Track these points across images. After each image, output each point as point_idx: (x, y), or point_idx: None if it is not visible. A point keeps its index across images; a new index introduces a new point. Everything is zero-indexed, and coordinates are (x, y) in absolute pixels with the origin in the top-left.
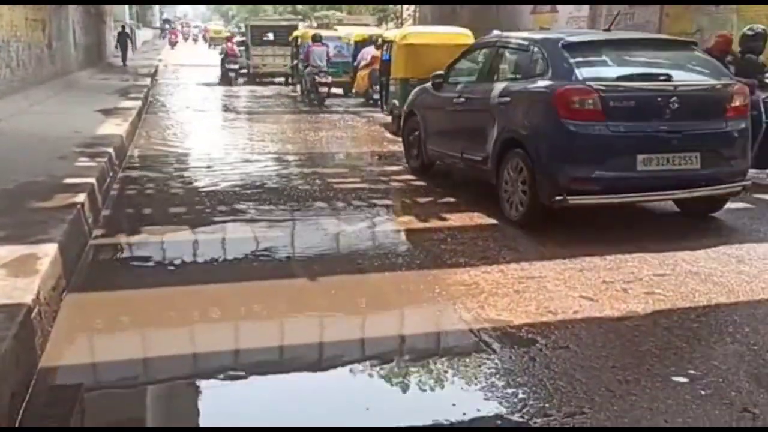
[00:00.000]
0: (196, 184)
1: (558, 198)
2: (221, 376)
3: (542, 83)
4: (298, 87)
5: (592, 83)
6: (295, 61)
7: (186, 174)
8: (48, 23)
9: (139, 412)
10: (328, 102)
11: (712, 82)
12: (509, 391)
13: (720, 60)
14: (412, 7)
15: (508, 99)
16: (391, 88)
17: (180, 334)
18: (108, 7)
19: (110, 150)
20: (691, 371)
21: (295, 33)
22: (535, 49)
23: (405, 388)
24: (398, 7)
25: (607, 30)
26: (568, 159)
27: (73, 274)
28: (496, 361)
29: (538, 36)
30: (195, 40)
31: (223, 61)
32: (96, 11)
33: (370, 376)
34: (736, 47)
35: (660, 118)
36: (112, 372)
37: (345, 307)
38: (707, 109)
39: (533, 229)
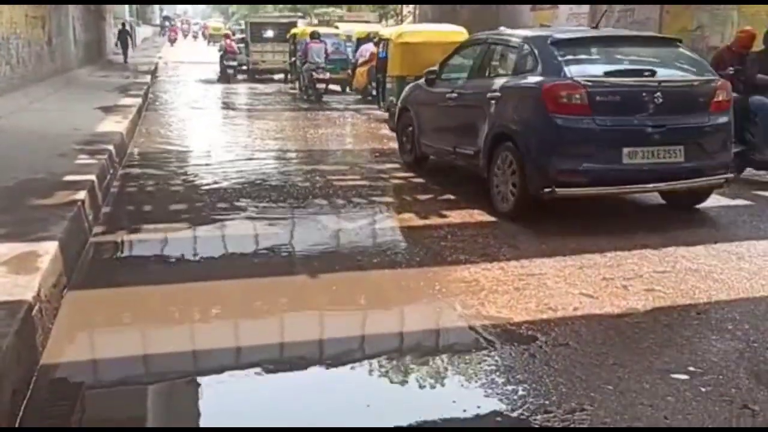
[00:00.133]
0: (196, 181)
1: (547, 190)
2: (222, 373)
3: (532, 79)
4: (297, 84)
5: (579, 79)
6: (293, 58)
7: (186, 171)
8: (48, 20)
9: (139, 409)
10: (326, 98)
11: (696, 78)
12: (509, 388)
13: (743, 56)
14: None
15: (498, 94)
16: (388, 85)
17: (180, 331)
18: (108, 5)
19: (110, 147)
20: (691, 368)
21: (293, 30)
22: (525, 46)
23: (405, 385)
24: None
25: (595, 27)
26: (556, 152)
27: (73, 271)
28: (497, 358)
29: (528, 33)
30: (195, 37)
31: (222, 58)
32: (96, 8)
33: (371, 373)
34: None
35: (645, 112)
36: (113, 369)
37: (345, 304)
38: (690, 103)
39: (532, 225)
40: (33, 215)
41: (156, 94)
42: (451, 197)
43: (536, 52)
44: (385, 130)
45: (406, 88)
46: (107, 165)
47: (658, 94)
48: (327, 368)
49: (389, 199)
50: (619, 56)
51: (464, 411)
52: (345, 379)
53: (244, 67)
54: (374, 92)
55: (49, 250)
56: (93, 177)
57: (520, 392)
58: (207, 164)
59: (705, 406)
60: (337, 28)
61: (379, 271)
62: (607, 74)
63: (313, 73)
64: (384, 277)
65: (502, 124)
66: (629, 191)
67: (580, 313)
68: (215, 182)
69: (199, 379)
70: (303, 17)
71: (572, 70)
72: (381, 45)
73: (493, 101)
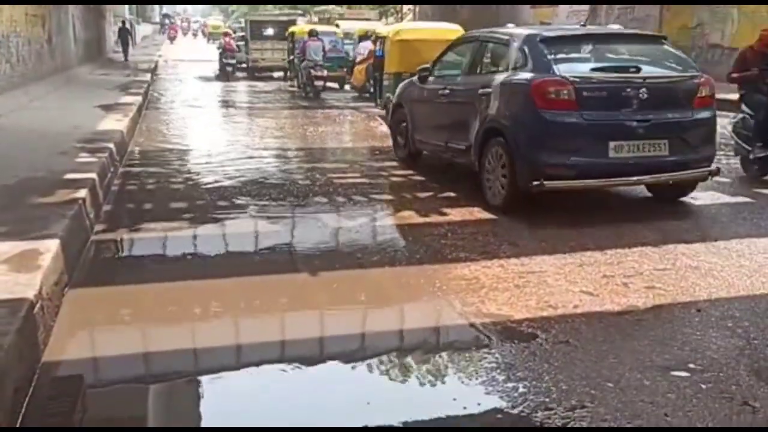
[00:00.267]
0: (196, 179)
1: (535, 183)
2: (222, 371)
3: (521, 75)
4: (295, 81)
5: (567, 75)
6: (292, 56)
7: (186, 169)
8: (48, 19)
9: (141, 407)
10: (325, 95)
11: (680, 74)
12: (510, 385)
13: (766, 56)
14: None
15: (489, 91)
16: (385, 83)
17: (181, 329)
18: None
19: (111, 145)
20: (692, 365)
21: (291, 28)
22: (515, 44)
23: (406, 383)
24: None
25: (583, 26)
26: (544, 146)
27: (74, 269)
28: (497, 355)
29: (518, 31)
30: (194, 35)
31: (221, 56)
32: (96, 6)
33: (371, 370)
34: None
35: (630, 107)
36: (115, 367)
37: (346, 302)
38: (675, 99)
39: (532, 223)
40: (34, 213)
41: (156, 92)
42: (451, 195)
43: (526, 49)
44: (384, 128)
45: (400, 85)
46: (108, 163)
47: (643, 89)
48: (327, 366)
49: (389, 197)
50: (605, 53)
51: (465, 408)
52: (345, 376)
53: (244, 65)
54: (372, 89)
55: (50, 248)
56: (94, 175)
57: (521, 389)
58: (207, 162)
59: (705, 403)
60: (337, 26)
61: (379, 269)
62: (594, 71)
63: (311, 71)
64: (384, 274)
65: (493, 119)
66: (615, 184)
67: (580, 311)
68: (216, 180)
69: (200, 378)
70: (303, 15)
71: (560, 67)
72: (378, 43)
73: (484, 97)
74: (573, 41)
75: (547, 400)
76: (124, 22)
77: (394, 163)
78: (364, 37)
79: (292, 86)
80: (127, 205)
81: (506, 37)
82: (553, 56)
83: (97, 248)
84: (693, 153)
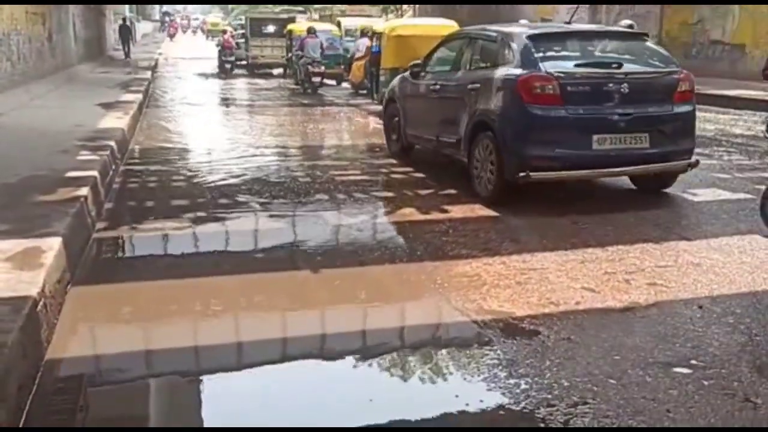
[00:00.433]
0: (197, 176)
1: (522, 174)
2: (224, 368)
3: (509, 71)
4: (293, 78)
5: (552, 71)
6: (290, 54)
7: (187, 167)
8: (48, 17)
9: (143, 404)
10: (323, 92)
11: (661, 69)
12: (512, 382)
13: None
14: None
15: (478, 86)
16: (381, 78)
17: (184, 326)
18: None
19: (112, 143)
20: (694, 362)
21: (290, 26)
22: (503, 41)
23: (408, 380)
24: None
25: (568, 23)
26: (530, 139)
27: (77, 267)
28: (499, 352)
29: (506, 28)
30: (194, 32)
31: (220, 53)
32: (96, 5)
33: (373, 367)
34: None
35: (612, 102)
36: (117, 364)
37: (347, 299)
38: (655, 94)
39: (533, 220)
40: (36, 212)
41: (157, 90)
42: (452, 192)
43: (513, 46)
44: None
45: (393, 81)
46: (109, 161)
47: (625, 85)
48: (329, 364)
49: (390, 194)
50: (589, 50)
51: (467, 405)
52: (348, 374)
53: (244, 62)
54: (369, 85)
55: (52, 246)
56: (95, 173)
57: (523, 386)
58: (208, 160)
59: (707, 400)
60: (339, 23)
61: (380, 266)
62: (578, 67)
63: (309, 67)
64: (385, 272)
65: (482, 113)
66: (599, 175)
67: (582, 307)
68: (216, 178)
69: (202, 375)
70: (304, 12)
71: (546, 64)
72: (374, 39)
73: (473, 92)
74: (558, 39)
75: (549, 396)
76: (124, 20)
77: (394, 161)
78: (362, 33)
79: (291, 83)
80: (129, 203)
81: (494, 35)
82: (539, 53)
83: (99, 246)
84: (673, 146)
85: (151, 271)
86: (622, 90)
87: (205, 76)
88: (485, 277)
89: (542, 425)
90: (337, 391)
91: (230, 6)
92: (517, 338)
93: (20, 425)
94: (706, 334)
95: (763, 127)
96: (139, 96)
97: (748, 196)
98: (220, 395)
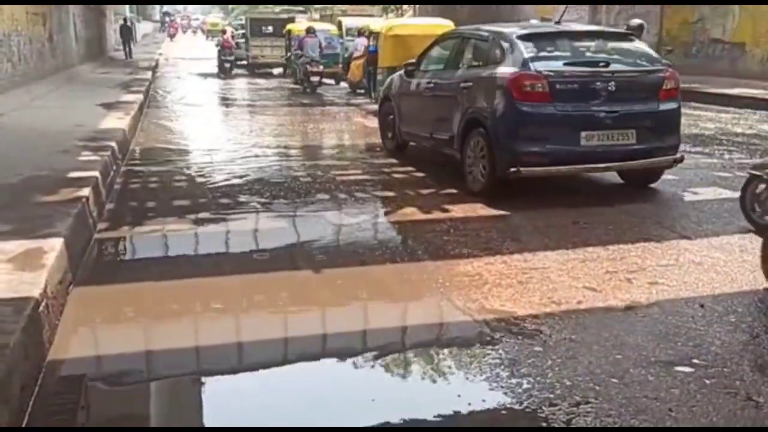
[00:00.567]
0: (198, 177)
1: (513, 170)
2: (225, 368)
3: (500, 70)
4: (292, 77)
5: (541, 70)
6: (289, 53)
7: (189, 167)
8: (49, 17)
9: (145, 404)
10: (322, 91)
11: (646, 68)
12: (514, 381)
13: None
14: None
15: (470, 84)
16: (379, 77)
17: (186, 326)
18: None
19: (113, 144)
20: (696, 360)
21: (289, 26)
22: (494, 40)
23: (410, 380)
24: None
25: (558, 23)
26: (521, 136)
27: (78, 267)
28: (501, 351)
29: (497, 28)
30: (194, 32)
31: (219, 53)
32: (96, 5)
33: (375, 367)
34: None
35: (600, 99)
36: (120, 364)
37: (349, 299)
38: (641, 91)
39: (534, 219)
40: (38, 212)
41: (157, 90)
42: (453, 191)
43: (504, 45)
44: None
45: (388, 79)
46: (110, 161)
47: (612, 83)
48: (332, 363)
49: (391, 194)
50: (577, 49)
51: (469, 404)
52: (349, 373)
53: (244, 62)
54: (367, 84)
55: (54, 246)
56: (96, 173)
57: (525, 386)
58: (209, 160)
59: (709, 399)
60: (340, 23)
61: (382, 265)
62: (567, 65)
63: (308, 67)
64: (387, 271)
65: (474, 111)
66: (587, 170)
67: (583, 307)
68: (217, 178)
69: (204, 375)
70: (304, 12)
71: (535, 62)
72: (371, 39)
73: (465, 91)
74: (548, 38)
75: (551, 396)
76: (125, 20)
77: (395, 160)
78: (360, 33)
79: (290, 82)
80: (130, 203)
81: (486, 34)
82: (529, 52)
83: (101, 246)
84: (659, 142)
85: (153, 272)
86: (609, 88)
87: (206, 76)
88: (487, 276)
89: (545, 425)
90: (338, 391)
91: (230, 6)
92: (519, 337)
93: (23, 425)
94: (708, 333)
95: None
96: (140, 96)
97: None
98: (222, 395)
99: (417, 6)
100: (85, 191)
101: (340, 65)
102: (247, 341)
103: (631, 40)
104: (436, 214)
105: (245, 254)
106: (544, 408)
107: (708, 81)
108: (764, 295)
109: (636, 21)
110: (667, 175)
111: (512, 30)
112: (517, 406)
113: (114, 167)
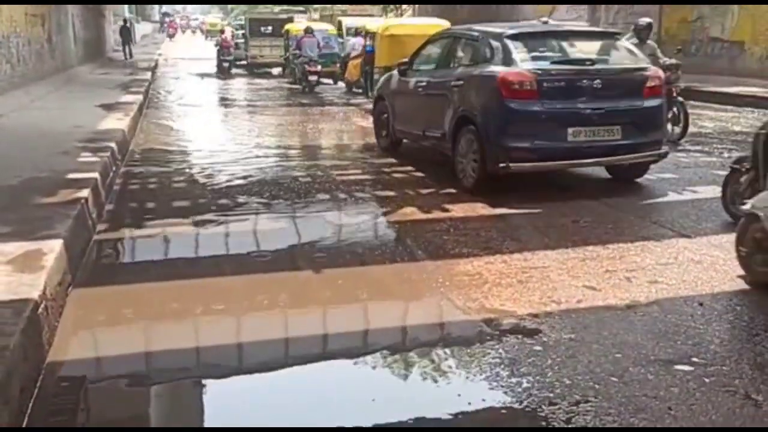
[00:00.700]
0: (198, 178)
1: (502, 165)
2: (225, 369)
3: (489, 69)
4: (291, 77)
5: (529, 68)
6: (287, 53)
7: (188, 168)
8: (47, 18)
9: (145, 406)
10: (320, 90)
11: (631, 66)
12: (514, 380)
13: None
14: None
15: (461, 83)
16: (375, 77)
17: (185, 327)
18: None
19: (112, 145)
20: (695, 359)
21: (287, 26)
22: (484, 40)
23: (410, 379)
24: None
25: (545, 23)
26: (510, 132)
27: (78, 269)
28: (501, 351)
29: (487, 28)
30: (193, 32)
31: (218, 53)
32: (95, 5)
33: (375, 367)
34: None
35: (586, 96)
36: (119, 366)
37: (349, 298)
38: (626, 89)
39: (534, 218)
40: (37, 213)
41: (157, 91)
42: (452, 191)
43: (493, 44)
44: None
45: (381, 79)
46: (110, 162)
47: (598, 80)
48: (332, 363)
49: (391, 193)
50: (564, 48)
51: (469, 404)
52: (350, 373)
53: (243, 62)
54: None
55: (53, 248)
56: (96, 174)
57: (525, 385)
58: (209, 160)
59: (708, 397)
60: (340, 23)
61: (382, 265)
62: (554, 64)
63: (306, 66)
64: (387, 271)
65: (465, 109)
66: (574, 165)
67: (583, 306)
68: (217, 179)
69: (204, 376)
70: (304, 12)
71: (524, 61)
72: (367, 38)
73: (456, 89)
74: (535, 38)
75: (551, 395)
76: (125, 21)
77: (394, 160)
78: (356, 33)
79: (289, 82)
80: (130, 204)
81: (476, 34)
82: (517, 51)
83: (100, 248)
84: (644, 138)
85: (152, 273)
86: (594, 85)
87: (205, 76)
88: (487, 275)
89: (544, 424)
90: (338, 391)
91: (230, 6)
92: (519, 337)
93: (23, 425)
94: (707, 332)
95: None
96: (139, 97)
97: None
98: (222, 396)
99: (417, 6)
100: (85, 192)
101: (338, 65)
102: (247, 342)
103: (616, 39)
104: (436, 214)
105: (245, 255)
106: (543, 407)
107: (707, 79)
108: (762, 293)
109: (645, 20)
110: (666, 174)
111: (501, 30)
112: (516, 405)
113: (113, 168)
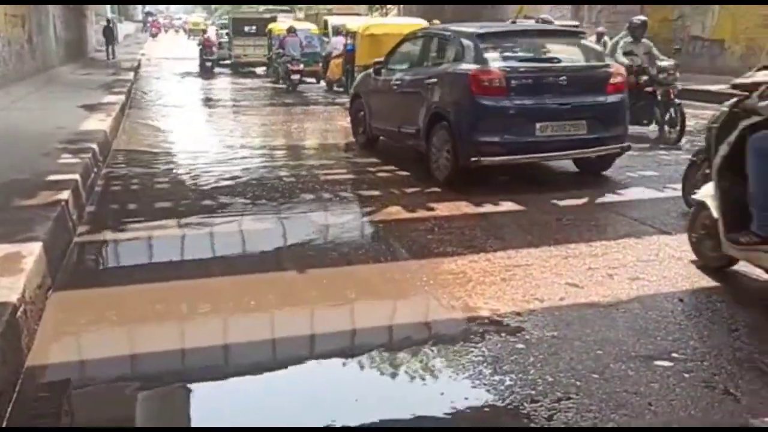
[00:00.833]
0: (181, 178)
1: (474, 159)
2: (210, 371)
3: (460, 67)
4: (274, 76)
5: (499, 66)
6: (271, 52)
7: (171, 169)
8: (28, 19)
9: (127, 409)
10: (303, 89)
11: (595, 64)
12: (496, 378)
13: None
14: None
15: (434, 80)
16: (356, 75)
17: (168, 330)
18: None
19: (94, 146)
20: (675, 354)
21: (270, 26)
22: (456, 39)
23: (393, 378)
24: None
25: (513, 22)
26: (480, 128)
27: (58, 271)
28: (484, 349)
29: (458, 28)
30: (176, 32)
31: (201, 52)
32: (76, 5)
33: (359, 367)
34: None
35: (553, 93)
36: (100, 369)
37: (334, 298)
38: (590, 85)
39: (517, 217)
40: (17, 216)
41: (139, 91)
42: (437, 190)
43: (464, 43)
44: None
45: (358, 77)
46: (91, 164)
47: (564, 77)
48: (315, 363)
49: (375, 193)
50: (531, 46)
51: (452, 402)
52: (333, 373)
53: (227, 61)
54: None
55: (33, 251)
56: (77, 176)
57: (507, 383)
58: (191, 161)
59: (688, 392)
60: (326, 22)
61: (366, 265)
62: (522, 61)
63: (288, 65)
64: (372, 270)
65: (438, 105)
66: (542, 158)
67: (566, 303)
68: (200, 179)
69: (188, 378)
70: (290, 11)
71: (493, 59)
72: (348, 38)
73: (430, 87)
74: (504, 37)
75: (533, 392)
76: (108, 21)
77: (378, 159)
78: (337, 32)
79: (272, 81)
80: (111, 206)
81: (448, 34)
82: (487, 50)
83: (81, 250)
84: (607, 132)
85: (134, 275)
86: (561, 82)
87: (188, 75)
88: (470, 274)
89: (526, 421)
90: (322, 391)
91: (213, 6)
92: (502, 335)
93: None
94: (687, 328)
95: None
96: (122, 97)
97: None
98: (207, 397)
99: (401, 7)
100: (65, 194)
101: (320, 64)
102: (233, 343)
103: (581, 38)
104: (421, 213)
105: (229, 256)
106: (525, 404)
107: (689, 78)
108: (741, 290)
109: (640, 18)
110: (648, 171)
111: (472, 30)
112: (499, 403)
113: (95, 169)
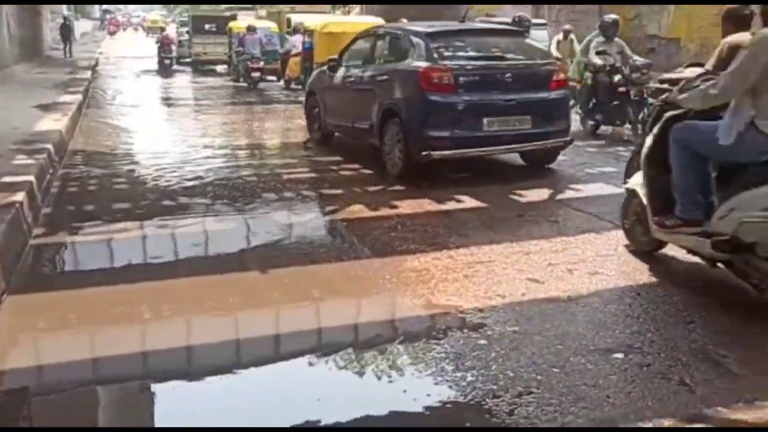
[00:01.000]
0: (140, 179)
1: (424, 153)
2: (174, 373)
3: (411, 64)
4: (234, 74)
5: (447, 63)
6: (231, 51)
7: (130, 169)
8: None
9: (88, 414)
10: (264, 87)
11: (538, 61)
12: (458, 374)
13: None
14: None
15: (386, 77)
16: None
17: (128, 332)
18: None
19: (49, 146)
20: (633, 347)
21: (230, 24)
22: (406, 37)
23: (356, 377)
24: None
25: (462, 21)
26: (430, 123)
27: (12, 275)
28: (446, 345)
29: (409, 27)
30: (135, 29)
31: (159, 50)
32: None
33: (321, 366)
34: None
35: (499, 89)
36: (58, 374)
37: (297, 298)
38: (535, 82)
39: (480, 214)
40: None
41: (97, 90)
42: (400, 188)
43: (414, 41)
44: None
45: (312, 75)
46: (46, 165)
47: (509, 74)
48: (276, 364)
49: (339, 191)
50: (478, 44)
51: (414, 400)
52: (295, 373)
53: (188, 60)
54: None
55: None
56: (31, 178)
57: (469, 378)
58: (151, 161)
59: (645, 384)
60: (288, 21)
61: (330, 264)
62: (469, 59)
63: (249, 63)
64: (335, 269)
65: (389, 102)
66: (489, 152)
67: (527, 298)
68: (160, 180)
69: (149, 381)
70: (253, 9)
71: (442, 56)
72: (306, 35)
73: (382, 83)
74: (453, 35)
75: (494, 387)
76: (65, 19)
77: (343, 157)
78: (295, 30)
79: (233, 80)
80: (68, 208)
81: (400, 32)
82: (436, 48)
83: (37, 253)
84: (551, 126)
85: (92, 277)
86: (506, 79)
87: (147, 73)
88: (433, 271)
89: (488, 416)
90: (283, 392)
91: (172, 5)
92: (465, 331)
93: None
94: (645, 320)
95: None
96: (79, 96)
97: None
98: (171, 400)
99: (364, 6)
100: (19, 196)
101: (279, 61)
102: (195, 344)
103: (525, 37)
104: (384, 211)
105: (190, 256)
106: (487, 400)
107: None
108: (698, 282)
109: (611, 17)
110: (607, 168)
111: (422, 28)
112: (461, 399)
113: (50, 170)
